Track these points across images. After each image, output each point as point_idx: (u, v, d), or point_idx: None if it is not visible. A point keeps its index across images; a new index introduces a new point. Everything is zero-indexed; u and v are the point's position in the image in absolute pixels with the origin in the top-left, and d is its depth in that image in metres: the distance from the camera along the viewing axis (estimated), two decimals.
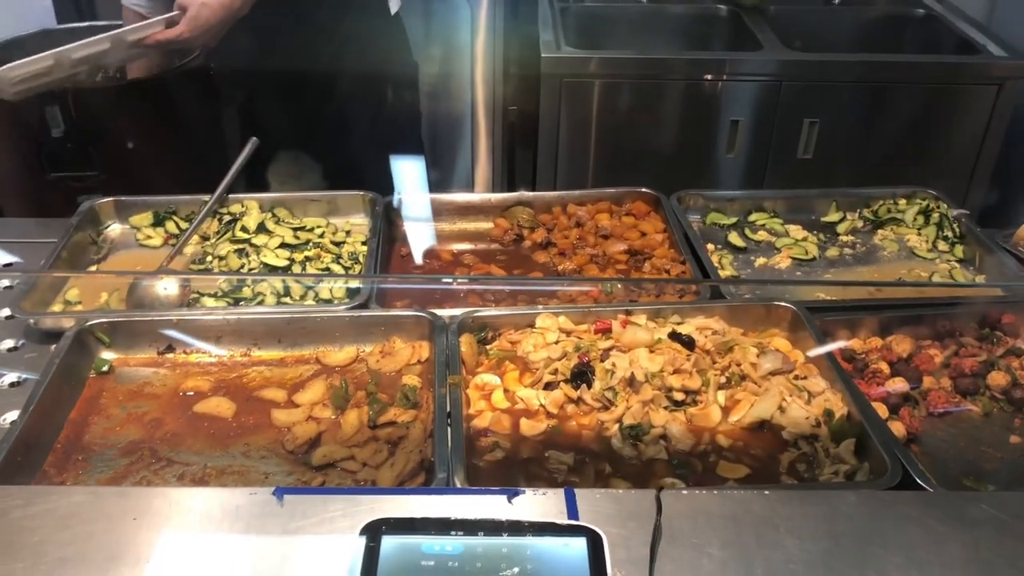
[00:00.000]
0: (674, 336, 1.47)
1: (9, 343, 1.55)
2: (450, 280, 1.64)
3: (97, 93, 2.33)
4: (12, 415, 1.37)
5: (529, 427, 1.37)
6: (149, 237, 1.89)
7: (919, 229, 1.93)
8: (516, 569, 0.94)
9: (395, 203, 1.95)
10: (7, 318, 1.60)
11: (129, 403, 1.45)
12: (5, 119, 2.26)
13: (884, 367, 1.47)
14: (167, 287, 1.66)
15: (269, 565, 1.01)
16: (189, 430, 1.40)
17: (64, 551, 1.03)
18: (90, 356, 1.52)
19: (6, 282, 1.72)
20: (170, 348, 1.55)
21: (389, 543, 0.97)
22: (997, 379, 1.45)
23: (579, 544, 0.99)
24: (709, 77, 2.90)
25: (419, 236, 1.95)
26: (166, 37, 1.93)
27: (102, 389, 1.48)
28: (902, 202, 1.99)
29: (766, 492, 1.13)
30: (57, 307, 1.65)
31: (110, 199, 1.94)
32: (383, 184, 2.02)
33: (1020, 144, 2.99)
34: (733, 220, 1.96)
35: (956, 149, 2.96)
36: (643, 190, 1.97)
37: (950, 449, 1.37)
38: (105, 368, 1.50)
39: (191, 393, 1.47)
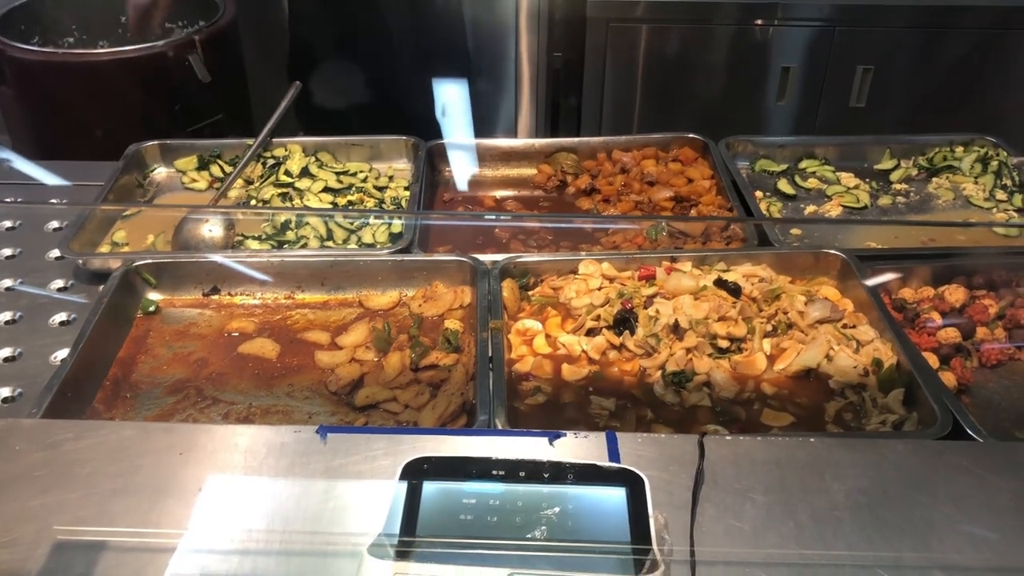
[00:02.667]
0: (719, 283, 1.45)
1: (59, 283, 1.58)
2: (492, 217, 1.62)
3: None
4: (62, 353, 1.40)
5: (571, 372, 1.36)
6: (194, 180, 1.90)
7: (976, 177, 1.87)
8: (557, 509, 0.94)
9: (438, 148, 1.93)
10: (57, 259, 1.63)
11: (175, 343, 1.47)
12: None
13: (936, 317, 1.44)
14: (212, 229, 1.67)
15: (313, 501, 1.02)
16: (234, 370, 1.41)
17: (115, 483, 1.05)
18: (137, 296, 1.54)
19: (55, 223, 1.74)
20: (215, 290, 1.56)
21: (431, 482, 0.98)
22: None
23: (620, 486, 0.98)
24: (760, 22, 2.82)
25: (462, 182, 1.94)
26: None
27: (149, 329, 1.50)
28: (959, 149, 1.92)
29: (811, 439, 1.11)
30: (105, 248, 1.67)
31: (155, 143, 1.95)
32: (427, 129, 2.01)
33: None
34: (783, 167, 1.91)
35: (1014, 96, 2.85)
36: (690, 136, 1.93)
37: (1002, 401, 1.33)
38: (152, 308, 1.52)
39: (236, 334, 1.48)
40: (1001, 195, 1.81)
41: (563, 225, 1.64)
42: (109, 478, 1.06)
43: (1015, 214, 1.77)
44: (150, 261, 1.55)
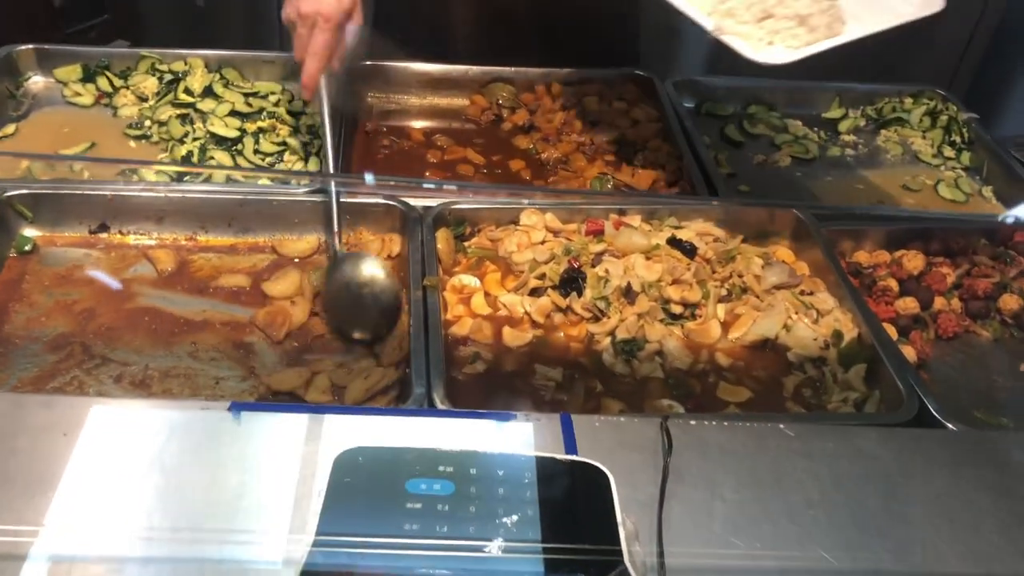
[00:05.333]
0: (674, 242, 1.34)
1: None
2: (432, 186, 1.46)
3: None
4: None
5: (513, 337, 1.23)
6: (78, 94, 1.66)
7: (924, 132, 1.80)
8: (515, 516, 0.82)
9: (360, 71, 1.74)
10: None
11: (57, 289, 1.27)
12: None
13: (893, 284, 1.37)
14: None
15: (224, 495, 0.88)
16: (127, 324, 1.23)
17: None
18: (10, 233, 1.32)
19: None
20: (104, 227, 1.36)
21: (368, 479, 0.85)
22: (1009, 303, 1.36)
23: (583, 484, 0.87)
24: None
25: (386, 110, 1.75)
26: None
27: (24, 272, 1.29)
28: (908, 101, 1.85)
29: (780, 426, 1.03)
30: None
31: (30, 46, 1.69)
32: None
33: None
34: (730, 111, 1.80)
35: (946, 43, 2.81)
36: (637, 72, 1.79)
37: (960, 377, 1.28)
38: (28, 247, 1.32)
39: (129, 280, 1.29)
40: (949, 152, 1.76)
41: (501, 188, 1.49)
42: None
43: (962, 172, 1.71)
44: (25, 191, 1.33)
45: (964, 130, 1.77)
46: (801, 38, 1.18)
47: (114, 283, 1.29)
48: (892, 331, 1.29)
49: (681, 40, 2.69)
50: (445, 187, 1.37)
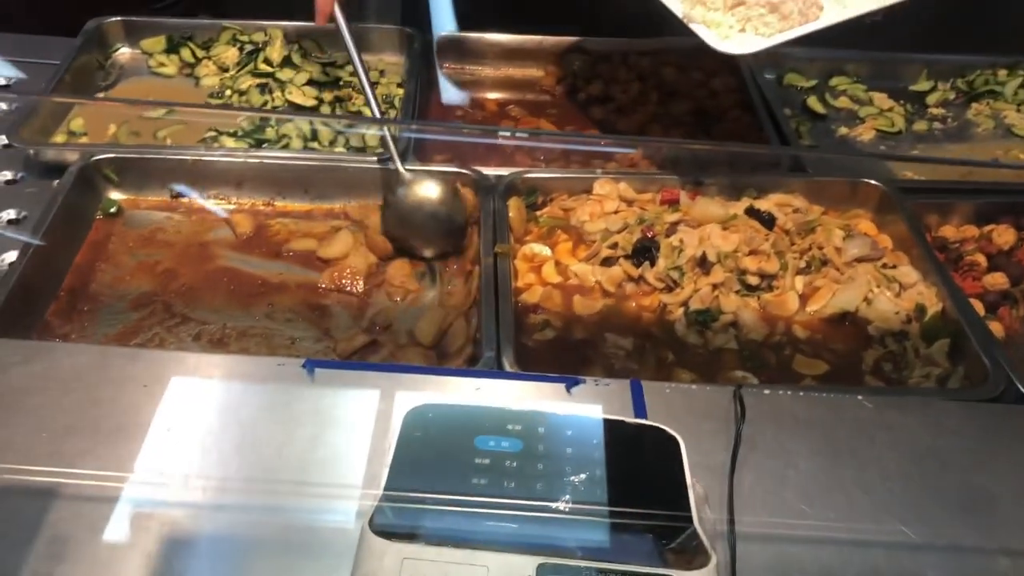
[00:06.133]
0: (752, 212, 1.31)
1: (7, 175, 1.39)
2: (507, 133, 1.46)
3: None
4: (11, 256, 1.23)
5: (584, 305, 1.22)
6: (163, 65, 1.70)
7: (1019, 105, 1.72)
8: (583, 475, 0.82)
9: (435, 41, 1.74)
10: (4, 147, 1.43)
11: (140, 250, 1.31)
12: None
13: (981, 259, 1.31)
14: None
15: (298, 449, 0.89)
16: (206, 285, 1.26)
17: (69, 418, 0.92)
18: (97, 195, 1.37)
19: (3, 105, 1.54)
20: (183, 193, 1.39)
21: (437, 435, 0.85)
22: None
23: (652, 448, 0.86)
24: None
25: (459, 81, 1.75)
26: None
27: (110, 233, 1.34)
28: (1002, 72, 1.77)
29: (859, 397, 1.00)
30: (60, 138, 1.48)
31: (118, 19, 1.74)
32: (422, 19, 1.81)
33: None
34: (812, 83, 1.75)
35: None
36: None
37: None
38: (113, 210, 1.36)
39: (209, 243, 1.33)
40: None
41: (570, 146, 1.47)
42: (62, 412, 0.92)
43: None
44: (112, 156, 1.37)
45: None
46: (773, 26, 1.17)
47: (194, 246, 1.32)
48: (979, 307, 1.24)
49: None
50: (518, 144, 1.36)
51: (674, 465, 0.85)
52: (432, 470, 0.82)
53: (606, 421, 0.88)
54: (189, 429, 0.91)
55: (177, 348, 1.16)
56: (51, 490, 0.85)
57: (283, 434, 0.91)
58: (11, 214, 1.31)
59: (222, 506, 0.86)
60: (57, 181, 1.33)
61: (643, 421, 0.91)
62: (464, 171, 1.38)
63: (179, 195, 1.39)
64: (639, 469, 0.84)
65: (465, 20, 1.82)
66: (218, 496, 0.86)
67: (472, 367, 1.09)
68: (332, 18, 1.37)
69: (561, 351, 1.17)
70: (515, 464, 0.82)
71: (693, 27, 1.21)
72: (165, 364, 0.99)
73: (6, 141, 1.42)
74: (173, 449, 0.89)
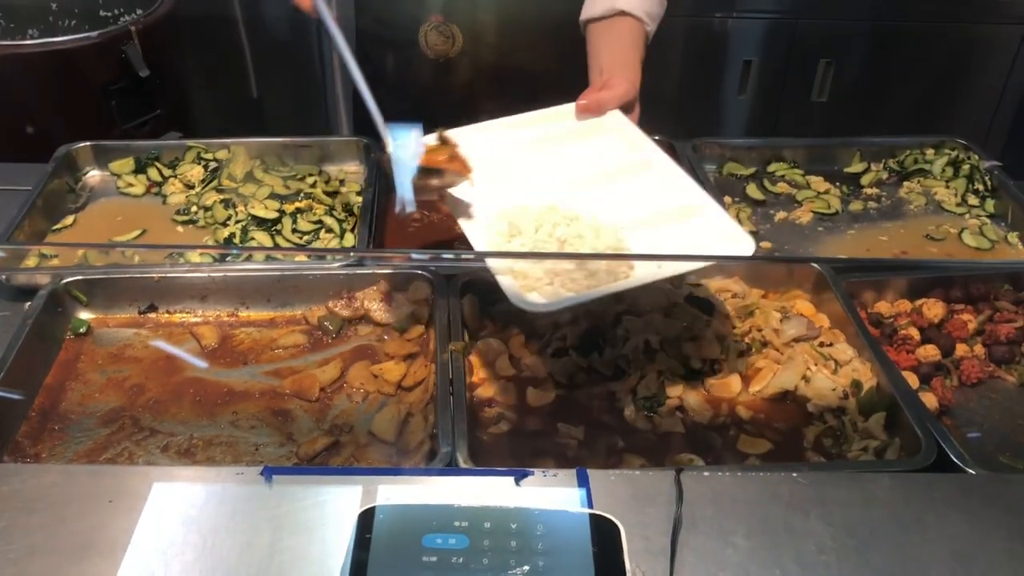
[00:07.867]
0: (691, 300, 1.38)
1: None
2: (460, 256, 1.49)
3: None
4: None
5: (537, 397, 1.28)
6: (131, 185, 1.78)
7: (947, 181, 1.82)
8: (527, 567, 0.86)
9: (389, 150, 1.82)
10: None
11: (109, 367, 1.36)
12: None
13: (914, 333, 1.38)
14: None
15: (256, 555, 0.93)
16: (173, 397, 1.31)
17: (33, 538, 0.95)
18: (67, 316, 1.42)
19: None
20: (152, 307, 1.45)
21: (387, 536, 0.89)
22: None
23: (594, 536, 0.91)
24: (719, 14, 2.76)
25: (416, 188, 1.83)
26: None
27: (79, 352, 1.39)
28: (929, 152, 1.87)
29: (794, 474, 1.05)
30: (32, 261, 1.54)
31: (88, 143, 1.82)
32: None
33: None
34: (751, 171, 1.85)
35: (980, 92, 2.84)
36: (656, 137, 1.84)
37: (984, 422, 1.28)
38: (83, 329, 1.41)
39: (175, 357, 1.38)
40: (973, 200, 1.77)
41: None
42: (26, 532, 0.95)
43: (987, 219, 1.72)
44: (80, 277, 1.43)
45: (987, 178, 1.78)
46: (579, 283, 1.13)
47: (161, 360, 1.37)
48: (913, 379, 1.30)
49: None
50: (463, 256, 1.42)
51: (615, 553, 0.89)
52: (383, 570, 0.86)
53: (548, 512, 0.92)
54: (153, 541, 0.94)
55: (146, 461, 1.20)
56: None
57: (243, 541, 0.95)
58: None
59: None
60: (28, 304, 1.38)
61: (585, 510, 0.95)
62: (422, 271, 1.45)
63: (146, 311, 1.45)
64: (580, 558, 0.88)
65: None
66: None
67: (430, 462, 1.13)
68: (315, 9, 1.32)
69: (516, 443, 1.22)
70: (461, 560, 0.86)
71: (499, 279, 1.14)
72: (129, 479, 1.03)
73: None
74: (136, 562, 0.92)
